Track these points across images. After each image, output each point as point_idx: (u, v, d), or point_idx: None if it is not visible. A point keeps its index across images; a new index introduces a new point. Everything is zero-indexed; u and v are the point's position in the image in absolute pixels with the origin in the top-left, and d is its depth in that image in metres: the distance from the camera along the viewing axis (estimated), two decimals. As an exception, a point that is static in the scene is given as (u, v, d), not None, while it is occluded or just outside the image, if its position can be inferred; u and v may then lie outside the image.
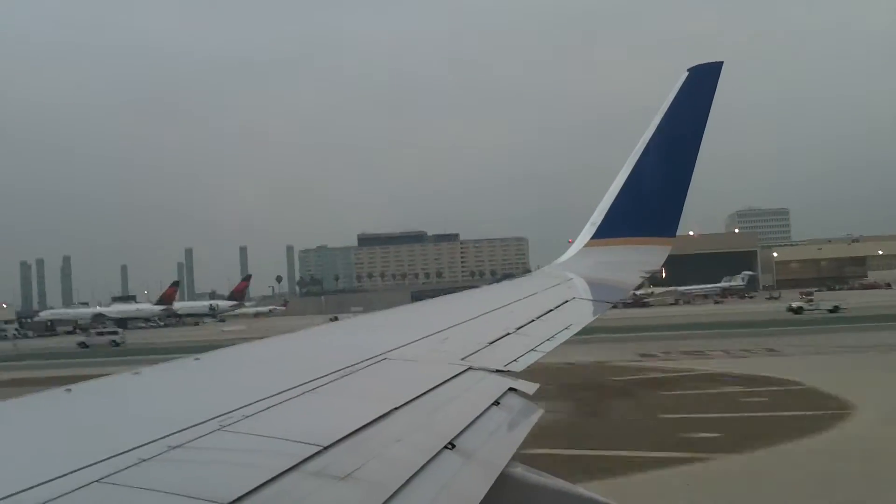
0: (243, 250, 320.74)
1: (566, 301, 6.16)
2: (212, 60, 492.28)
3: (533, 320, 5.24)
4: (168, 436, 2.31)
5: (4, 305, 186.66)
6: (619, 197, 8.38)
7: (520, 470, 2.99)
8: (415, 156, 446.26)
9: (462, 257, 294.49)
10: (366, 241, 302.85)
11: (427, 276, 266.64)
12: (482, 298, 6.68)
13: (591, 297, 6.68)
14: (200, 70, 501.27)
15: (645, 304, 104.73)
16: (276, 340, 4.40)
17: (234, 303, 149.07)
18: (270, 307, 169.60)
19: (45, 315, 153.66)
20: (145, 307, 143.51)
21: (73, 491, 1.91)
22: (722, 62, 8.23)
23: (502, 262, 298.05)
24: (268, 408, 2.71)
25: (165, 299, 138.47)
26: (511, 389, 3.56)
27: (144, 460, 2.14)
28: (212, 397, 2.93)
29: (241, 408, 2.64)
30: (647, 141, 8.35)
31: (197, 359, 3.56)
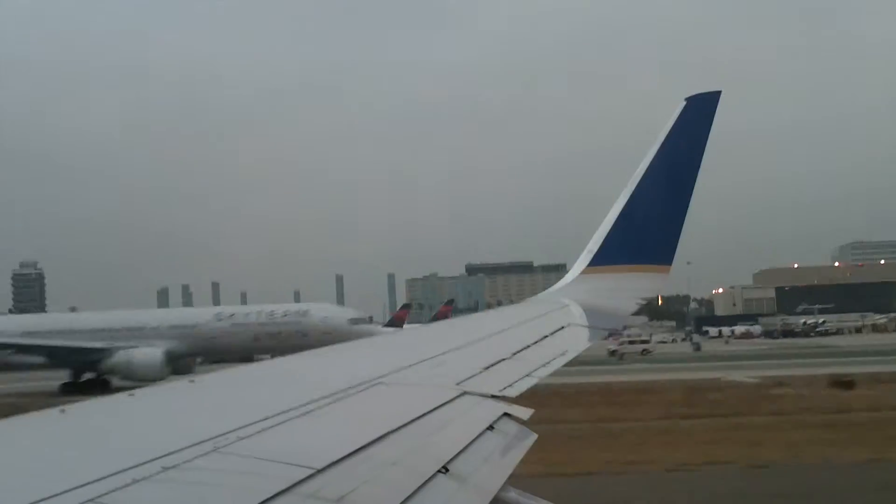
0: (339, 279, 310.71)
1: (562, 327, 6.18)
2: (267, 81, 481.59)
3: (529, 346, 5.26)
4: (162, 457, 2.32)
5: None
6: (617, 224, 8.42)
7: (513, 494, 3.00)
8: (514, 183, 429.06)
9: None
10: (474, 270, 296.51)
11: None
12: (478, 324, 6.70)
13: (586, 324, 6.71)
14: (262, 91, 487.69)
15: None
16: (272, 364, 4.41)
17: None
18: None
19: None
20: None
21: None
22: (720, 91, 8.33)
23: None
24: (263, 430, 2.72)
25: (397, 321, 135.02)
26: (506, 415, 3.57)
27: (138, 481, 2.14)
28: (207, 419, 2.93)
29: (235, 430, 2.64)
30: (644, 169, 8.42)
31: (192, 381, 3.57)
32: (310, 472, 2.37)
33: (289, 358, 4.58)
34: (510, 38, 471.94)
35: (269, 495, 2.16)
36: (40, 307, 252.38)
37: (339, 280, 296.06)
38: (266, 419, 2.81)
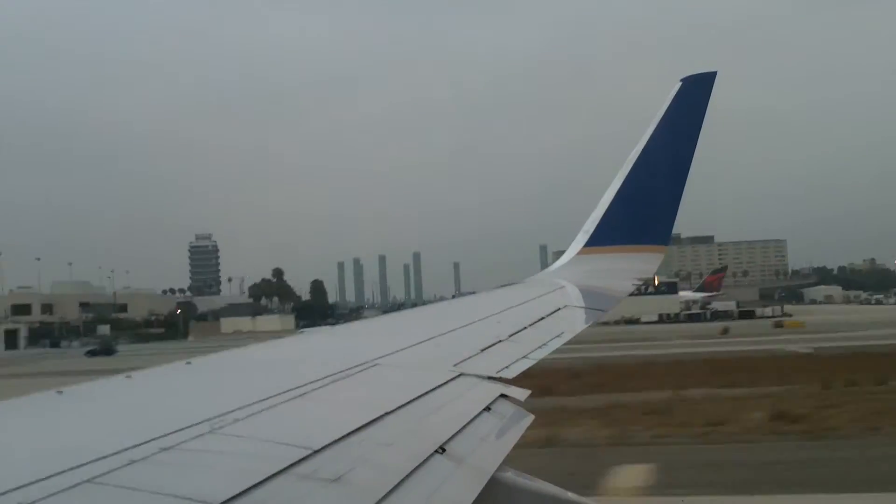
0: (543, 248, 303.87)
1: (559, 309, 6.18)
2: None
3: (525, 327, 5.26)
4: (159, 438, 2.32)
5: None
6: (613, 205, 8.41)
7: (510, 475, 3.01)
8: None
9: (720, 260, 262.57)
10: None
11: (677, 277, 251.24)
12: (475, 305, 6.70)
13: (583, 305, 6.72)
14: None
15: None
16: (268, 345, 4.41)
17: (708, 294, 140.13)
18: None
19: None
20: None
21: (62, 491, 1.92)
22: (715, 72, 8.31)
23: (761, 264, 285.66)
24: (259, 411, 2.72)
25: (710, 286, 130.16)
26: (503, 396, 3.59)
27: (135, 461, 2.15)
28: (203, 401, 2.94)
29: (232, 411, 2.65)
30: (640, 150, 8.40)
31: (188, 363, 3.57)
32: (307, 452, 2.38)
33: (286, 339, 4.59)
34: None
35: (266, 475, 2.17)
36: (215, 279, 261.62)
37: (543, 249, 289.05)
38: (263, 400, 2.82)
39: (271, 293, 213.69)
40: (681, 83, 8.36)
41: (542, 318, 5.68)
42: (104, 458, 2.13)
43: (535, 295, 6.77)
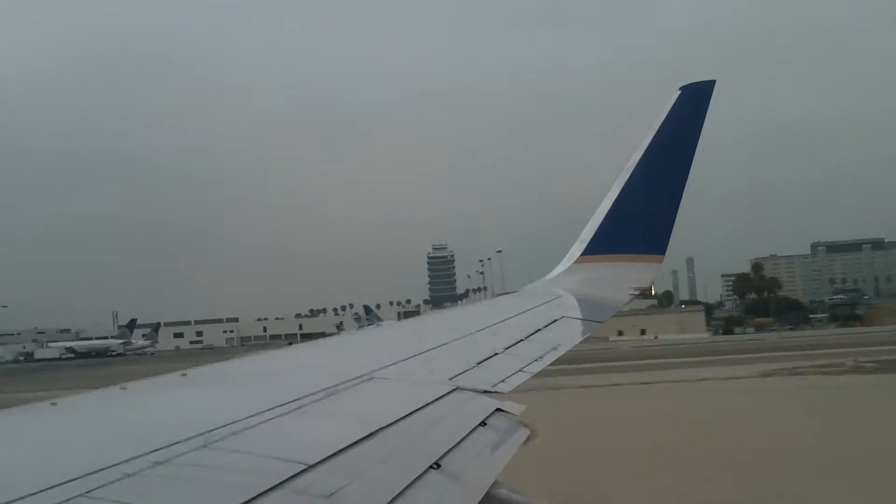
0: (689, 261, 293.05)
1: (555, 320, 6.16)
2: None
3: (522, 339, 5.25)
4: (153, 452, 2.32)
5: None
6: (610, 214, 8.39)
7: (504, 491, 3.01)
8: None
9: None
10: (819, 248, 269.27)
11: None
12: (470, 318, 6.67)
13: (580, 316, 6.69)
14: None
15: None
16: (263, 358, 4.41)
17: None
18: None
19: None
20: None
21: None
22: (714, 81, 8.30)
23: None
24: (253, 426, 2.72)
25: None
26: (498, 410, 3.58)
27: (129, 476, 2.14)
28: (198, 414, 2.93)
29: (226, 425, 2.64)
30: (638, 158, 8.38)
31: (184, 374, 3.56)
32: (301, 468, 2.38)
33: (280, 351, 4.57)
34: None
35: (259, 491, 2.16)
36: (451, 286, 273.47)
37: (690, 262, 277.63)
38: (257, 414, 2.82)
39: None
40: (679, 91, 8.36)
41: (539, 330, 5.66)
42: (98, 471, 2.12)
43: (532, 305, 6.75)
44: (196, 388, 3.50)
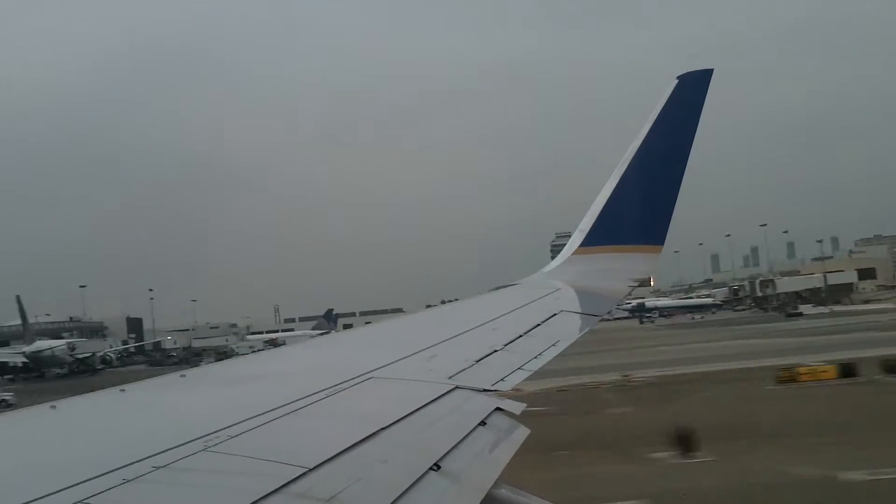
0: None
1: (554, 315, 6.13)
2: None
3: (521, 335, 5.23)
4: (152, 456, 2.32)
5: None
6: (609, 205, 8.32)
7: (504, 491, 3.00)
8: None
9: None
10: None
11: None
12: (469, 312, 6.62)
13: (579, 310, 6.66)
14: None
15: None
16: (262, 358, 4.40)
17: None
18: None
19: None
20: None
21: None
22: (712, 69, 8.22)
23: None
24: (253, 428, 2.71)
25: None
26: (498, 409, 3.56)
27: (128, 481, 2.14)
28: (197, 416, 2.92)
29: (226, 427, 2.64)
30: (636, 149, 8.29)
31: (183, 375, 3.55)
32: (301, 471, 2.37)
33: (279, 351, 4.56)
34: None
35: (259, 496, 2.16)
36: None
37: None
38: (257, 416, 2.81)
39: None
40: (677, 81, 8.28)
41: (538, 325, 5.63)
42: (97, 477, 2.12)
43: (531, 299, 6.71)
44: (194, 390, 3.49)
